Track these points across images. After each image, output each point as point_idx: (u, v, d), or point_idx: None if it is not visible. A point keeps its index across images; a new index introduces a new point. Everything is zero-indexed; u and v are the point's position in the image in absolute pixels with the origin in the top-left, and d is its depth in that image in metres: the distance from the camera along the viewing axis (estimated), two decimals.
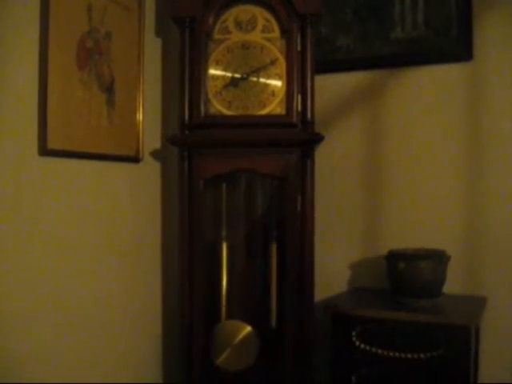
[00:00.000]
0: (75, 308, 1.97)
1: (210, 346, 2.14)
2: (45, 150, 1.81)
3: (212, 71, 2.10)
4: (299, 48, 2.04)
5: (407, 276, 1.94)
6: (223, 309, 2.16)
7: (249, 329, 2.13)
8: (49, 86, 1.81)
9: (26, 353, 1.77)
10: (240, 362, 2.13)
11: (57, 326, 1.89)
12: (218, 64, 2.10)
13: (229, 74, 2.09)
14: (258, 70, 2.07)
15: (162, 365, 2.47)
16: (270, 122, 2.06)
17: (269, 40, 2.07)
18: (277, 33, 2.07)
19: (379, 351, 1.88)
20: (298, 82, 2.03)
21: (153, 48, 2.38)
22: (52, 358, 1.88)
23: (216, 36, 2.10)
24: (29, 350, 1.78)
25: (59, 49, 1.85)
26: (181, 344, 2.14)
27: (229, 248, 2.19)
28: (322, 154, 2.21)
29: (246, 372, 2.13)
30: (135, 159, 2.25)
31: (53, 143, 1.82)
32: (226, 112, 2.08)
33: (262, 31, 2.08)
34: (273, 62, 2.06)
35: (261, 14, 2.08)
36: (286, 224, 2.07)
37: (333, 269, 2.33)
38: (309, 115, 2.03)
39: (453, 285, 2.06)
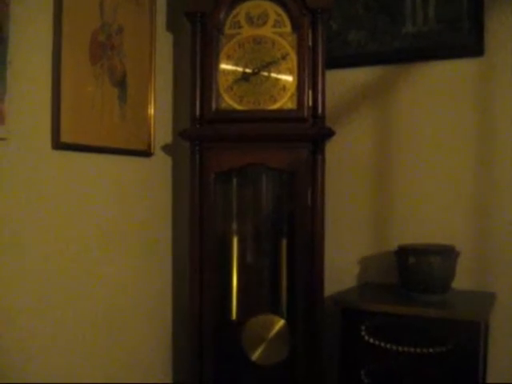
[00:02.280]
0: (85, 305, 1.98)
1: (241, 343, 2.15)
2: (58, 144, 1.83)
3: (223, 66, 2.11)
4: (310, 43, 2.04)
5: (417, 271, 1.94)
6: (234, 303, 2.17)
7: (282, 322, 2.14)
8: (62, 80, 1.82)
9: (31, 351, 1.78)
10: (275, 356, 2.13)
11: (65, 324, 1.90)
12: (229, 59, 2.11)
13: (240, 69, 2.10)
14: (269, 65, 2.08)
15: (172, 364, 2.49)
16: (281, 116, 2.07)
17: (280, 35, 2.07)
18: (288, 27, 2.07)
19: (388, 346, 1.88)
20: (308, 77, 2.03)
21: (164, 42, 2.40)
22: (60, 357, 1.89)
23: (227, 31, 2.11)
24: (34, 348, 1.79)
25: (72, 43, 1.86)
26: (191, 338, 2.15)
27: (239, 242, 2.20)
28: (332, 148, 2.22)
29: (257, 367, 2.15)
30: (147, 153, 2.27)
31: (66, 137, 1.84)
32: (237, 107, 2.09)
33: (274, 26, 2.08)
34: (284, 57, 2.07)
35: (272, 9, 2.09)
36: (296, 218, 2.08)
37: (342, 264, 2.33)
38: (320, 110, 2.03)
39: (462, 280, 2.06)
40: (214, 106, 2.09)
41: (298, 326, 2.07)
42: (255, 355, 2.14)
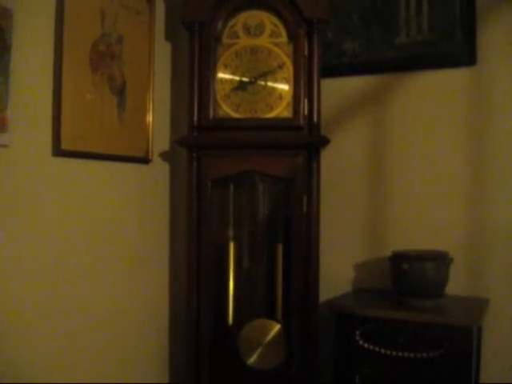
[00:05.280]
0: (83, 308, 2.01)
1: (238, 347, 2.17)
2: (58, 151, 1.86)
3: (220, 75, 2.14)
4: (306, 52, 2.08)
5: (410, 277, 1.96)
6: (230, 308, 2.20)
7: (278, 326, 2.16)
8: (63, 89, 1.85)
9: (30, 352, 1.80)
10: (271, 360, 2.16)
11: (64, 326, 1.93)
12: (226, 68, 2.14)
13: (237, 78, 2.13)
14: (265, 74, 2.11)
15: (169, 365, 2.51)
16: (277, 124, 2.10)
17: (276, 45, 2.11)
18: (284, 38, 2.11)
19: (382, 350, 1.90)
20: (304, 86, 2.07)
21: (163, 52, 2.43)
22: (57, 358, 1.91)
23: (225, 40, 2.15)
24: (34, 349, 1.81)
25: (73, 52, 1.89)
26: (188, 342, 2.17)
27: (236, 248, 2.22)
28: (327, 155, 2.24)
29: (252, 372, 2.17)
30: (145, 160, 2.29)
31: (66, 144, 1.87)
32: (234, 115, 2.12)
33: (270, 36, 2.12)
34: (280, 66, 2.10)
35: (269, 20, 2.13)
36: (292, 225, 2.10)
37: (337, 269, 2.35)
38: (315, 118, 2.06)
39: (455, 286, 2.08)
40: (211, 113, 2.12)
41: (293, 331, 2.09)
42: (251, 359, 2.17)
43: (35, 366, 1.82)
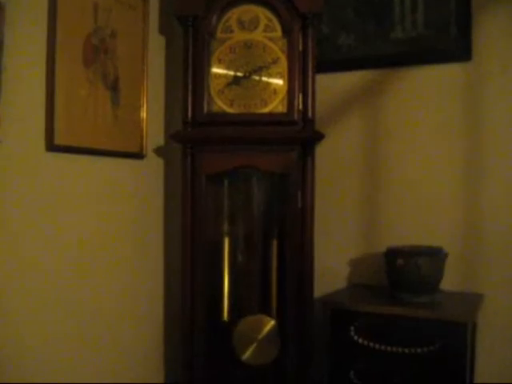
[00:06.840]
0: (76, 307, 2.00)
1: (232, 343, 2.17)
2: (52, 146, 1.85)
3: (215, 69, 2.13)
4: (301, 47, 2.07)
5: (405, 272, 1.96)
6: (225, 304, 2.20)
7: (272, 322, 2.16)
8: (56, 83, 1.85)
9: (24, 350, 1.80)
10: (265, 356, 2.16)
11: (58, 324, 1.92)
12: (220, 62, 2.13)
13: (231, 73, 2.12)
14: (260, 69, 2.10)
15: (164, 363, 2.51)
16: (272, 119, 2.09)
17: (271, 39, 2.10)
18: (279, 32, 2.10)
19: (377, 346, 1.91)
20: (299, 81, 2.06)
21: (157, 46, 2.42)
22: (53, 358, 1.91)
23: (219, 35, 2.14)
24: (27, 348, 1.81)
25: (66, 47, 1.88)
26: (182, 338, 2.17)
27: (230, 244, 2.22)
28: (322, 151, 2.24)
29: (248, 367, 2.17)
30: (139, 155, 2.29)
31: (59, 139, 1.86)
32: (228, 110, 2.11)
33: (264, 30, 2.11)
34: (275, 61, 2.09)
35: (263, 14, 2.12)
36: (286, 221, 2.10)
37: (332, 265, 2.36)
38: (310, 113, 2.06)
39: (450, 282, 2.09)
40: (205, 108, 2.11)
41: (288, 327, 2.09)
42: (245, 355, 2.16)
43: (32, 366, 1.82)
